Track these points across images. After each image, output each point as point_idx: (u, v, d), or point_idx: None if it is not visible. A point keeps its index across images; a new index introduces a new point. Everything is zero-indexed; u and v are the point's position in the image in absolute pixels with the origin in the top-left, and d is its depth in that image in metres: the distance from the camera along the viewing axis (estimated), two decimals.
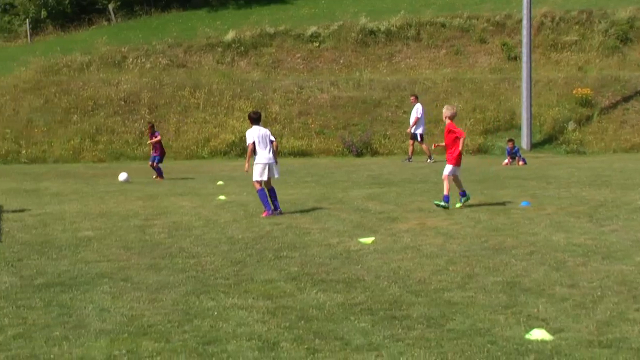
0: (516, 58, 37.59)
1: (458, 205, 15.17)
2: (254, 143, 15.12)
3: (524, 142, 31.90)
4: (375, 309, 7.87)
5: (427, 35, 41.16)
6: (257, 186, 15.11)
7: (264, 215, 14.68)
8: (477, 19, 41.49)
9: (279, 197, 15.41)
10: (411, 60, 40.41)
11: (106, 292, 8.70)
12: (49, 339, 6.89)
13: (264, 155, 15.05)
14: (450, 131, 15.30)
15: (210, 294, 8.55)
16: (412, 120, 29.16)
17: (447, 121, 15.41)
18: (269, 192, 15.12)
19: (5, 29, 52.91)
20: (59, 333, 7.08)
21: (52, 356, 6.44)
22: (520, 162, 26.62)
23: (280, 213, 14.83)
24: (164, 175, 23.75)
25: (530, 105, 32.35)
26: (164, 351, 6.57)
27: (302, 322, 7.43)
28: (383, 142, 33.21)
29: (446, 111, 15.52)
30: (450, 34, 41.24)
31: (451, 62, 39.89)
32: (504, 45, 39.71)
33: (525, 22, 32.79)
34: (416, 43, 41.14)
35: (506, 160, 27.05)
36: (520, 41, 34.17)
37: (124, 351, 6.56)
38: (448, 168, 15.23)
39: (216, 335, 7.03)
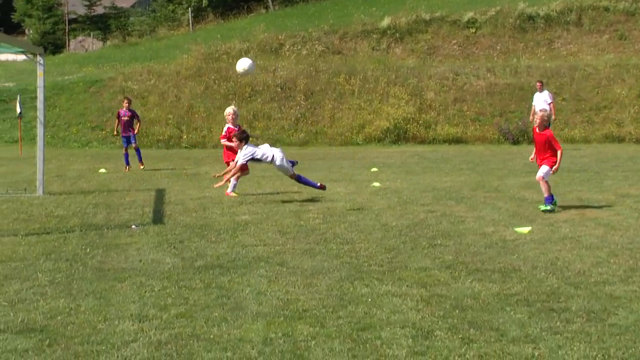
0: None
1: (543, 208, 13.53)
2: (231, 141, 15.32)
3: None
4: (532, 301, 7.68)
5: (589, 20, 39.87)
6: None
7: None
8: None
9: (434, 184, 15.29)
10: (571, 46, 39.27)
11: (263, 275, 8.86)
12: (209, 320, 7.08)
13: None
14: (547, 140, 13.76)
15: (364, 281, 8.57)
16: (546, 107, 28.22)
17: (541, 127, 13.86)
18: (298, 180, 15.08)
19: (169, 18, 54.94)
20: (218, 314, 7.26)
21: (211, 336, 6.61)
22: None
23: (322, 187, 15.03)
24: (129, 162, 22.51)
25: None
26: (319, 336, 6.62)
27: (457, 311, 7.34)
28: None
29: (544, 115, 14.04)
30: (614, 18, 39.81)
31: (614, 48, 38.52)
32: None
33: None
34: (577, 28, 39.94)
35: None
36: None
37: (279, 334, 6.66)
38: (545, 169, 13.69)
39: (370, 321, 7.03)
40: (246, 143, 14.72)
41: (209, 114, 34.08)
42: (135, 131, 23.20)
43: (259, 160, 14.82)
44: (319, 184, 15.13)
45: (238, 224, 12.42)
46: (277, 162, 14.80)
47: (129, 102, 23.23)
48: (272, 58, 38.66)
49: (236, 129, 15.70)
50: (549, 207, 13.39)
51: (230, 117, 16.03)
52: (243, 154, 14.63)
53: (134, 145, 22.59)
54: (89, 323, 6.99)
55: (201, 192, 16.43)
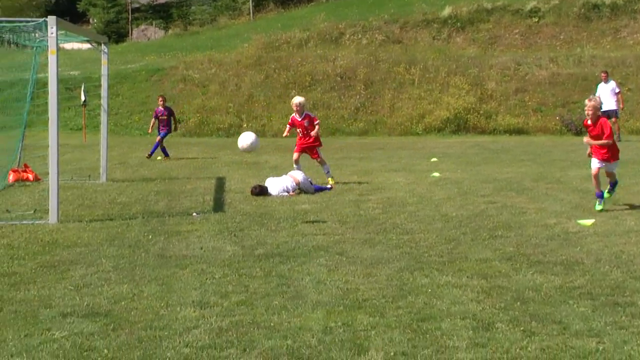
0: None
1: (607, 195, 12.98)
2: None
3: None
4: (595, 294, 7.57)
5: None
6: None
7: None
8: None
9: (494, 175, 15.16)
10: (638, 35, 38.51)
11: (322, 264, 8.88)
12: (269, 308, 7.12)
13: None
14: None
15: (424, 271, 8.54)
16: (613, 98, 27.67)
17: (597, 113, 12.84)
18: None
19: (230, 7, 55.22)
20: (278, 302, 7.30)
21: (272, 324, 6.65)
22: None
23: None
24: (168, 152, 22.46)
25: None
26: (379, 326, 6.62)
27: (518, 303, 7.27)
28: None
29: (596, 104, 12.85)
30: None
31: None
32: None
33: None
34: None
35: None
36: None
37: (339, 323, 6.67)
38: (612, 166, 13.00)
39: (430, 312, 7.00)
40: (263, 193, 14.57)
41: (269, 103, 34.21)
42: (175, 128, 23.45)
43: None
44: (329, 186, 15.51)
45: (297, 213, 12.47)
46: (301, 180, 14.96)
47: (164, 100, 23.23)
48: (332, 47, 38.64)
49: (300, 120, 15.84)
50: (602, 206, 12.60)
51: (295, 108, 15.99)
52: (282, 191, 14.65)
53: (160, 137, 22.42)
54: (151, 309, 7.09)
55: (261, 181, 16.47)
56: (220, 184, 16.27)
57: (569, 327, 6.55)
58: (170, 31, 55.86)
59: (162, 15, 59.24)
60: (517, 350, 6.03)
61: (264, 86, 35.36)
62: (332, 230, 11.00)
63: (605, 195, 12.88)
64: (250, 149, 11.89)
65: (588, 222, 11.42)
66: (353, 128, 32.78)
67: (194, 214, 12.39)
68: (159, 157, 22.14)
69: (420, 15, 41.21)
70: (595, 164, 13.00)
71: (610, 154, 12.97)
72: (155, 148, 22.41)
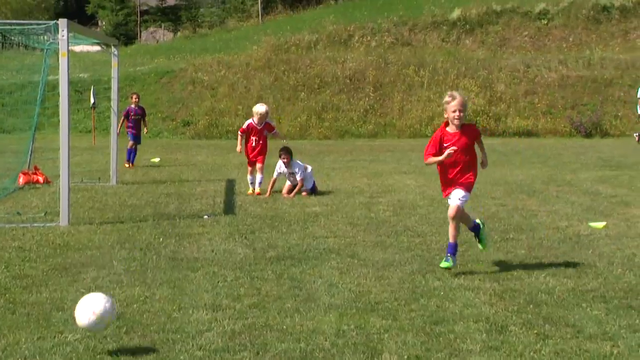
0: None
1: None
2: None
3: None
4: (609, 297, 7.54)
5: None
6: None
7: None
8: None
9: (505, 177, 15.13)
10: None
11: (334, 267, 8.86)
12: (282, 311, 7.10)
13: None
14: None
15: (436, 274, 8.51)
16: None
17: None
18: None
19: (239, 9, 55.36)
20: (290, 305, 7.28)
21: (284, 327, 6.63)
22: None
23: None
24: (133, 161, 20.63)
25: None
26: (392, 329, 6.60)
27: (531, 306, 7.24)
28: (614, 123, 31.88)
29: (465, 101, 8.69)
30: None
31: None
32: None
33: None
34: None
35: None
36: None
37: (352, 326, 6.66)
38: (462, 194, 8.93)
39: (443, 315, 6.98)
40: (290, 153, 15.26)
41: (278, 105, 34.21)
42: (146, 131, 21.80)
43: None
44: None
45: (308, 216, 12.45)
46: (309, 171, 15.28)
47: (138, 98, 21.34)
48: (341, 49, 38.65)
49: (258, 127, 15.65)
50: (451, 263, 8.55)
51: (256, 116, 15.62)
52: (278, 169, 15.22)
53: (133, 142, 20.72)
54: (164, 312, 7.08)
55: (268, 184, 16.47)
56: (230, 187, 16.28)
57: (582, 331, 6.52)
58: (179, 33, 56.03)
59: (171, 17, 59.46)
60: (531, 353, 6.01)
61: (273, 88, 35.38)
62: (343, 233, 10.99)
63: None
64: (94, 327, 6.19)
65: (599, 224, 11.39)
66: (362, 130, 32.77)
67: (205, 215, 12.39)
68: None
69: (429, 18, 41.21)
70: (457, 197, 8.88)
71: (474, 174, 9.03)
72: (135, 154, 20.85)
